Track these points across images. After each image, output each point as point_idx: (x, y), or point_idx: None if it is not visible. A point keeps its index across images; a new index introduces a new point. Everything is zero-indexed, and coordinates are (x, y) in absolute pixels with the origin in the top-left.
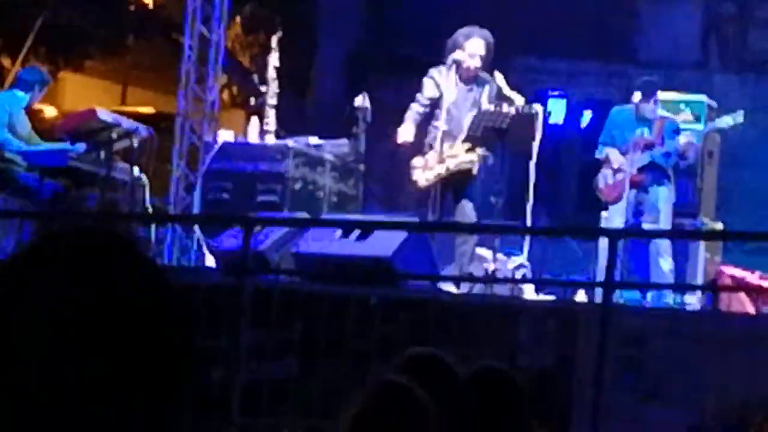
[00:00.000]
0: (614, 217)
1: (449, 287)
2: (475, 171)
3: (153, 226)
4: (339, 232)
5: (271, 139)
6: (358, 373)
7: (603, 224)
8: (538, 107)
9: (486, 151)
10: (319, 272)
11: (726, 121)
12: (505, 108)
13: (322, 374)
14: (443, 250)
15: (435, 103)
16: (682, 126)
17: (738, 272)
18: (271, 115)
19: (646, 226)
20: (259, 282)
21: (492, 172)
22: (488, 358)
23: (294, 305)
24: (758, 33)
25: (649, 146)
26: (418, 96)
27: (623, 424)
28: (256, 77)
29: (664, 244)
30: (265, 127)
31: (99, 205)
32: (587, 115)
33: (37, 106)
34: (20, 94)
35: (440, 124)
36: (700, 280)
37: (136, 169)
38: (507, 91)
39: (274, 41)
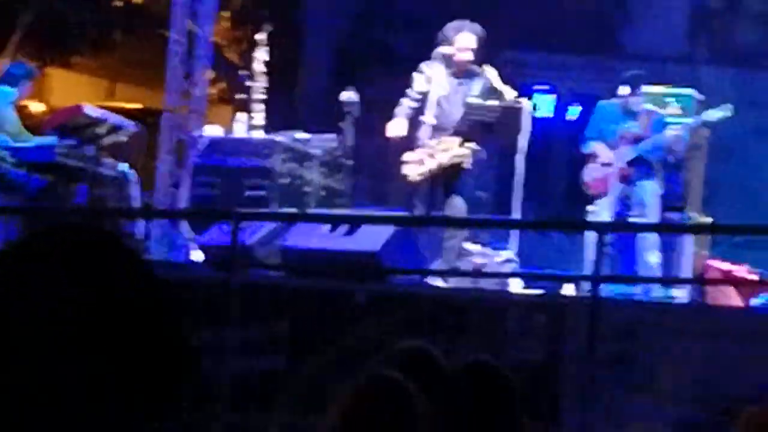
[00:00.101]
0: (602, 211)
1: (437, 282)
2: (466, 165)
3: (140, 222)
4: (327, 227)
5: (258, 135)
6: (347, 368)
7: (590, 218)
8: (525, 101)
9: (477, 145)
10: (307, 267)
11: (714, 114)
12: (492, 102)
13: (310, 369)
14: (432, 245)
15: (425, 98)
16: (669, 119)
17: (726, 266)
18: (258, 110)
19: (633, 219)
20: (247, 277)
21: (480, 167)
22: (477, 352)
23: (282, 300)
24: (746, 26)
25: (636, 140)
26: (409, 91)
27: (612, 417)
28: (243, 72)
29: (652, 238)
30: (252, 123)
31: (87, 201)
32: (575, 109)
33: (24, 102)
34: (7, 89)
35: (430, 118)
36: (688, 274)
37: (125, 165)
38: (498, 84)
39: (261, 36)
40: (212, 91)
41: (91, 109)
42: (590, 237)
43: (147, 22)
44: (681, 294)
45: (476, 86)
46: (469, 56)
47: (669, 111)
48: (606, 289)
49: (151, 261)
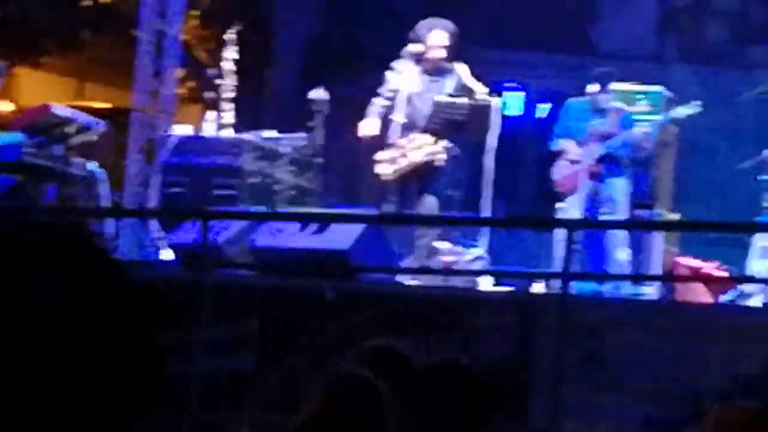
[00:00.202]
0: (571, 209)
1: (407, 280)
2: (439, 163)
3: (110, 221)
4: (296, 225)
5: (228, 133)
6: (317, 366)
7: (560, 215)
8: (494, 99)
9: (450, 142)
10: (277, 266)
11: (682, 111)
12: (461, 100)
13: (280, 368)
14: (402, 243)
15: (397, 96)
16: (638, 117)
17: (695, 263)
18: (228, 109)
19: (602, 217)
20: (217, 276)
21: (450, 164)
22: (447, 349)
23: (252, 299)
24: (714, 24)
25: (605, 137)
26: (381, 89)
27: (581, 415)
28: (213, 71)
29: (621, 235)
30: (222, 121)
31: (56, 201)
32: (545, 107)
33: None
34: None
35: (401, 117)
36: (657, 271)
37: (94, 164)
38: (469, 82)
39: (230, 35)
40: (181, 90)
41: (59, 109)
42: (560, 234)
43: (116, 22)
44: (650, 291)
45: (448, 84)
46: (442, 54)
47: (638, 108)
48: (575, 287)
49: (120, 260)
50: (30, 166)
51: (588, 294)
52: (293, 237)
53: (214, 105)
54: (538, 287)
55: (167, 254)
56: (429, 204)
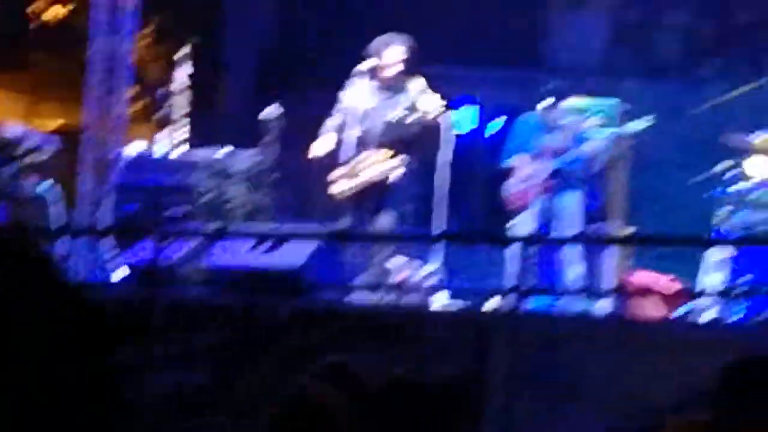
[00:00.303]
0: (524, 224)
1: (361, 297)
2: (394, 179)
3: (62, 240)
4: (250, 243)
5: (181, 151)
6: (271, 384)
7: (513, 231)
8: (447, 115)
9: (404, 158)
10: (231, 284)
11: (634, 126)
12: (412, 117)
13: (235, 387)
14: (356, 260)
15: (354, 112)
16: (590, 132)
17: (649, 276)
18: (181, 127)
19: (555, 232)
20: (171, 294)
21: (404, 180)
22: (400, 366)
23: (205, 317)
24: (665, 38)
25: (557, 153)
26: (337, 106)
27: (535, 430)
28: (165, 89)
29: (574, 250)
30: (175, 140)
31: (8, 220)
32: (497, 123)
33: None
34: None
35: (356, 133)
36: (611, 286)
37: (46, 183)
38: (424, 98)
39: (183, 52)
40: (133, 108)
41: (11, 128)
42: (513, 250)
43: (68, 39)
44: (604, 306)
45: (403, 100)
46: (399, 69)
47: (590, 123)
48: (529, 303)
49: (73, 280)
50: None
51: (541, 309)
52: (247, 255)
53: (167, 123)
54: (491, 303)
55: (121, 273)
56: (384, 220)
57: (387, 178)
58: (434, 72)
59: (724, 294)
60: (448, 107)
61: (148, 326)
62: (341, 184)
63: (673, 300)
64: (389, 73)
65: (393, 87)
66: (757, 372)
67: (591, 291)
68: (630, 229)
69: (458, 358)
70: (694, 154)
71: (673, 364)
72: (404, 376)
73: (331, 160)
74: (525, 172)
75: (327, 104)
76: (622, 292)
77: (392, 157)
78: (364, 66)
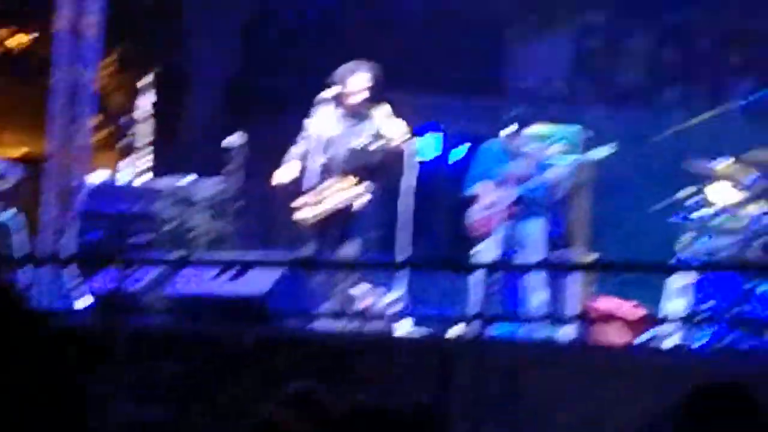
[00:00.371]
0: (488, 251)
1: (326, 324)
2: (359, 207)
3: (26, 269)
4: (214, 271)
5: (144, 179)
6: (236, 412)
7: (477, 258)
8: (411, 142)
9: (368, 185)
10: (195, 312)
11: (597, 153)
12: (376, 144)
13: (199, 415)
14: (321, 287)
15: (319, 140)
16: (553, 158)
17: (613, 303)
18: (144, 155)
19: (519, 259)
20: (135, 323)
21: (368, 207)
22: (365, 393)
23: (170, 346)
24: (627, 64)
25: (520, 180)
26: (302, 133)
27: None
28: (128, 117)
29: (538, 277)
30: (138, 167)
31: None
32: (460, 150)
33: None
34: None
35: (319, 161)
36: (574, 312)
37: (10, 212)
38: (389, 124)
39: (147, 80)
40: (97, 136)
41: None
42: (477, 277)
43: (31, 68)
44: (568, 332)
45: (368, 127)
46: (363, 97)
47: (553, 150)
48: (493, 329)
49: (37, 309)
50: None
51: (506, 336)
52: (210, 283)
53: (130, 151)
54: (455, 330)
55: (84, 302)
56: (349, 248)
57: (351, 205)
58: (398, 99)
59: (687, 320)
60: (412, 134)
61: (111, 354)
62: (305, 212)
63: (636, 326)
64: (354, 100)
65: (358, 114)
66: (719, 398)
67: (554, 317)
68: (593, 256)
69: (422, 385)
70: (656, 180)
71: (637, 390)
72: (368, 403)
73: (296, 187)
74: (488, 199)
75: (291, 131)
76: (586, 318)
77: (356, 184)
78: (328, 93)
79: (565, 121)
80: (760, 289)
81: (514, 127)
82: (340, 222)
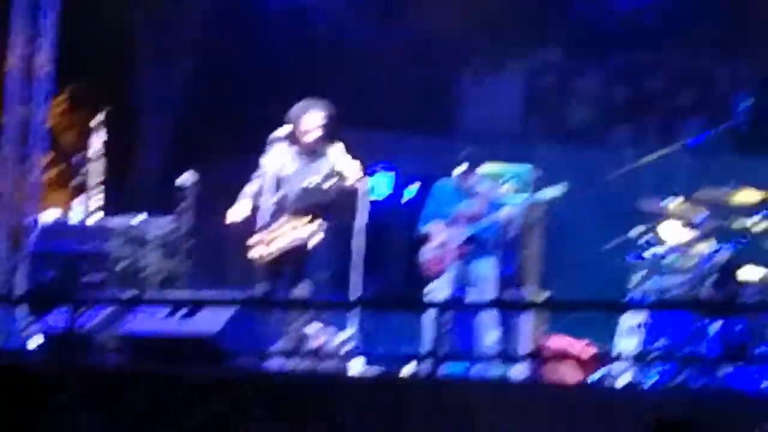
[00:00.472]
0: (440, 290)
1: (278, 363)
2: (312, 245)
3: None
4: (166, 310)
5: (96, 218)
6: None
7: (429, 297)
8: (363, 181)
9: (322, 224)
10: (146, 351)
11: (548, 192)
12: (330, 183)
13: None
14: (273, 326)
15: (273, 178)
16: (505, 197)
17: (564, 341)
18: (96, 194)
19: (470, 297)
20: (86, 363)
21: (321, 246)
22: None
23: (121, 385)
24: (578, 104)
25: (472, 219)
26: (257, 171)
27: None
28: (80, 156)
29: (490, 316)
30: (90, 206)
31: None
32: (412, 189)
33: None
34: None
35: (272, 199)
36: (525, 351)
37: None
38: (342, 163)
39: (98, 119)
40: (49, 175)
41: None
42: (429, 316)
43: None
44: (520, 370)
45: (322, 166)
46: (318, 135)
47: (505, 189)
48: (446, 368)
49: None
50: None
51: (458, 374)
52: (163, 322)
53: (82, 190)
54: (408, 369)
55: (36, 341)
56: (301, 287)
57: (304, 244)
58: (351, 137)
59: (639, 358)
60: (365, 173)
61: (63, 394)
62: (259, 250)
63: (588, 364)
64: (308, 138)
65: (312, 152)
66: None
67: (507, 356)
68: (545, 294)
69: (376, 424)
70: (608, 219)
71: (590, 429)
72: None
73: (249, 226)
74: (441, 238)
75: (242, 170)
76: (538, 356)
77: (310, 222)
78: (282, 131)
79: (517, 159)
80: (711, 328)
81: (466, 165)
82: (294, 261)
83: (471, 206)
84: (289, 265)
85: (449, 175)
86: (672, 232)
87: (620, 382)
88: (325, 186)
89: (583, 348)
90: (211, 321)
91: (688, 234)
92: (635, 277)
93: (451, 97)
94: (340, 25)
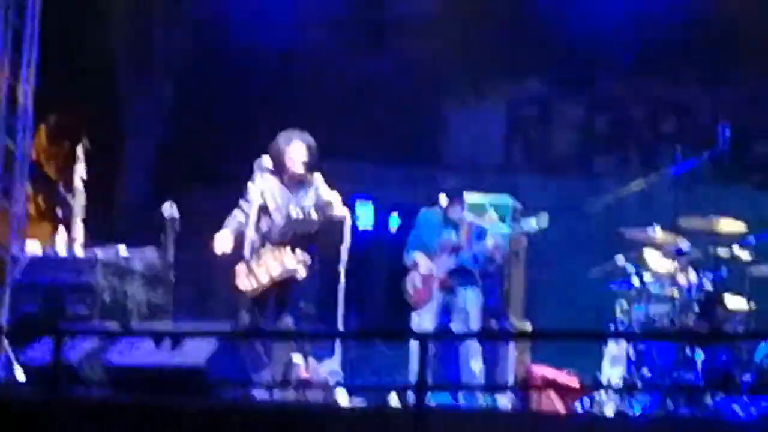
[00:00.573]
0: (424, 320)
1: (264, 394)
2: (299, 276)
3: None
4: (150, 342)
5: (79, 250)
6: None
7: (413, 327)
8: (345, 212)
9: (307, 254)
10: (132, 383)
11: (531, 223)
12: (313, 214)
13: None
14: (259, 357)
15: (257, 208)
16: (488, 228)
17: (547, 371)
18: (78, 226)
19: (455, 328)
20: (71, 395)
21: (306, 277)
22: None
23: (106, 417)
24: (560, 134)
25: (456, 249)
26: (241, 202)
27: None
28: (62, 187)
29: (474, 346)
30: (72, 238)
31: None
32: (395, 219)
33: None
34: None
35: (261, 228)
36: (510, 380)
37: None
38: (325, 193)
39: (79, 150)
40: (31, 207)
41: None
42: (413, 346)
43: None
44: (505, 400)
45: (308, 196)
46: (300, 166)
47: (488, 220)
48: (431, 398)
49: None
50: None
51: (444, 404)
52: (148, 354)
53: (65, 222)
54: (393, 400)
55: (20, 373)
56: (287, 317)
57: (289, 274)
58: (333, 168)
59: (624, 387)
60: (346, 203)
61: (47, 426)
62: (243, 281)
63: (572, 394)
64: (293, 169)
65: (297, 183)
66: None
67: (491, 386)
68: (529, 324)
69: None
70: (591, 248)
71: None
72: None
73: (233, 256)
74: (425, 268)
75: (226, 200)
76: (523, 386)
77: (294, 253)
78: (266, 162)
79: (500, 189)
80: (696, 356)
81: (449, 196)
82: (279, 291)
83: (455, 236)
84: (274, 296)
85: (433, 204)
86: (655, 261)
87: (605, 411)
88: (310, 216)
89: (567, 377)
90: (196, 352)
91: (672, 263)
92: (619, 306)
93: (434, 127)
94: (322, 55)
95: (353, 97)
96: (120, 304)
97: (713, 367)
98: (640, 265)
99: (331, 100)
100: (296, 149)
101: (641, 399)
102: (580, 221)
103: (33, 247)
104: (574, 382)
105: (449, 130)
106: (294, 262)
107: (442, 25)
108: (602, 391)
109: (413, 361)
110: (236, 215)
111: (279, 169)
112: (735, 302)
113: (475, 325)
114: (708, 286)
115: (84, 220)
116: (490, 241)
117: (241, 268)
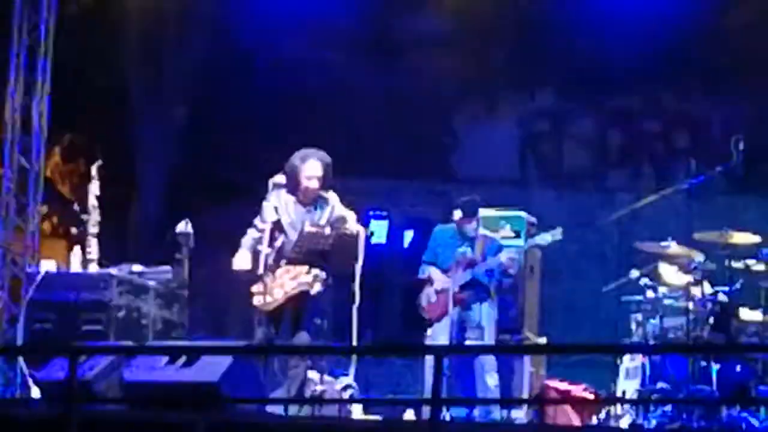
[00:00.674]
0: (439, 335)
1: (279, 410)
2: (314, 293)
3: None
4: (165, 358)
5: (93, 268)
6: None
7: (428, 342)
8: (359, 228)
9: (321, 271)
10: (147, 400)
11: (545, 237)
12: (327, 230)
13: None
14: (274, 374)
15: (272, 226)
16: (503, 242)
17: (563, 385)
18: (93, 244)
19: (470, 342)
20: (86, 412)
21: (321, 293)
22: None
23: None
24: (572, 148)
25: (471, 264)
26: (257, 220)
27: None
28: (77, 206)
29: (489, 360)
30: (87, 256)
31: None
32: (409, 235)
33: None
34: None
35: (276, 246)
36: (525, 394)
37: None
38: (340, 210)
39: (94, 169)
40: (46, 225)
41: None
42: (428, 361)
43: None
44: (520, 415)
45: (320, 213)
46: (316, 184)
47: (502, 234)
48: (447, 412)
49: None
50: None
51: (459, 419)
52: (162, 370)
53: (79, 240)
54: (408, 414)
55: (36, 390)
56: (302, 333)
57: (304, 291)
58: (348, 184)
59: (639, 401)
60: (360, 219)
61: None
62: (259, 298)
63: (588, 407)
64: (308, 186)
65: (311, 201)
66: None
67: (507, 400)
68: (543, 338)
69: None
70: (605, 262)
71: None
72: None
73: (248, 273)
74: (440, 282)
75: (240, 218)
76: (538, 400)
77: (309, 270)
78: (281, 179)
79: (514, 204)
80: (712, 369)
81: (464, 211)
82: (294, 307)
83: (470, 251)
84: (289, 312)
85: (447, 220)
86: (670, 275)
87: (620, 425)
88: (326, 233)
89: (582, 391)
90: (211, 368)
91: (686, 276)
92: (634, 320)
93: (448, 143)
94: (336, 73)
95: (367, 113)
96: (135, 322)
97: (728, 379)
98: (655, 279)
99: (346, 117)
100: (312, 167)
101: (657, 412)
102: (594, 235)
103: (48, 265)
104: (590, 395)
105: (463, 145)
106: (309, 279)
107: (455, 42)
108: (618, 404)
109: (428, 376)
110: (251, 234)
111: (294, 186)
112: (750, 314)
113: (490, 339)
114: (722, 298)
115: (99, 239)
116: (504, 256)
117: (257, 286)
